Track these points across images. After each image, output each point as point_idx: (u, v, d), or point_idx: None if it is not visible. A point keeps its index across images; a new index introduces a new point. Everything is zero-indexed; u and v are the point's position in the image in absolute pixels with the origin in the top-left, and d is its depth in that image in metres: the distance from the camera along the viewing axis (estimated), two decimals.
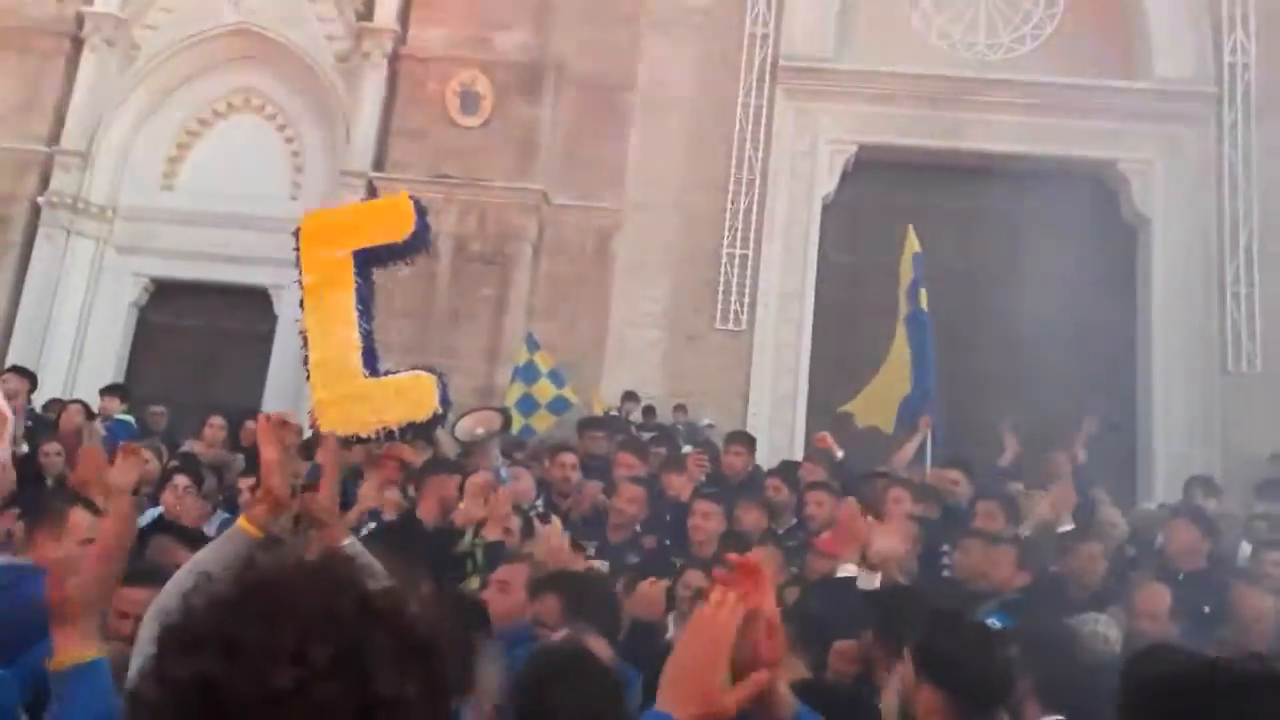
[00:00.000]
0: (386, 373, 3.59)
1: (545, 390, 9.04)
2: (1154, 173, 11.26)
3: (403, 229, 3.45)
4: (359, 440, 3.66)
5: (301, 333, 3.49)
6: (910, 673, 2.38)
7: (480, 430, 3.77)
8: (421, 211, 3.48)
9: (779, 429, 10.15)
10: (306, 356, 3.46)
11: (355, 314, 3.46)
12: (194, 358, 11.42)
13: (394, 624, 0.94)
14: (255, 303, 11.35)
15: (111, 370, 10.95)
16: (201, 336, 11.68)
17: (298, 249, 3.47)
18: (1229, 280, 10.80)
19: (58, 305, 11.15)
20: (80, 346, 11.27)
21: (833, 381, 10.73)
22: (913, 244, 8.26)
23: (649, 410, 10.19)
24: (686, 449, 7.66)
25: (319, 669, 0.88)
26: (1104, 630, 3.95)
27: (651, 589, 3.97)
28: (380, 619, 0.93)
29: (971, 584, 4.79)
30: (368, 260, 3.49)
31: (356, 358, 3.47)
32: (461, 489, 4.72)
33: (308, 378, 3.48)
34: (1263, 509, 7.28)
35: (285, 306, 11.28)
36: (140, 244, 11.53)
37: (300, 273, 3.46)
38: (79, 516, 3.46)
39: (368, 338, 3.52)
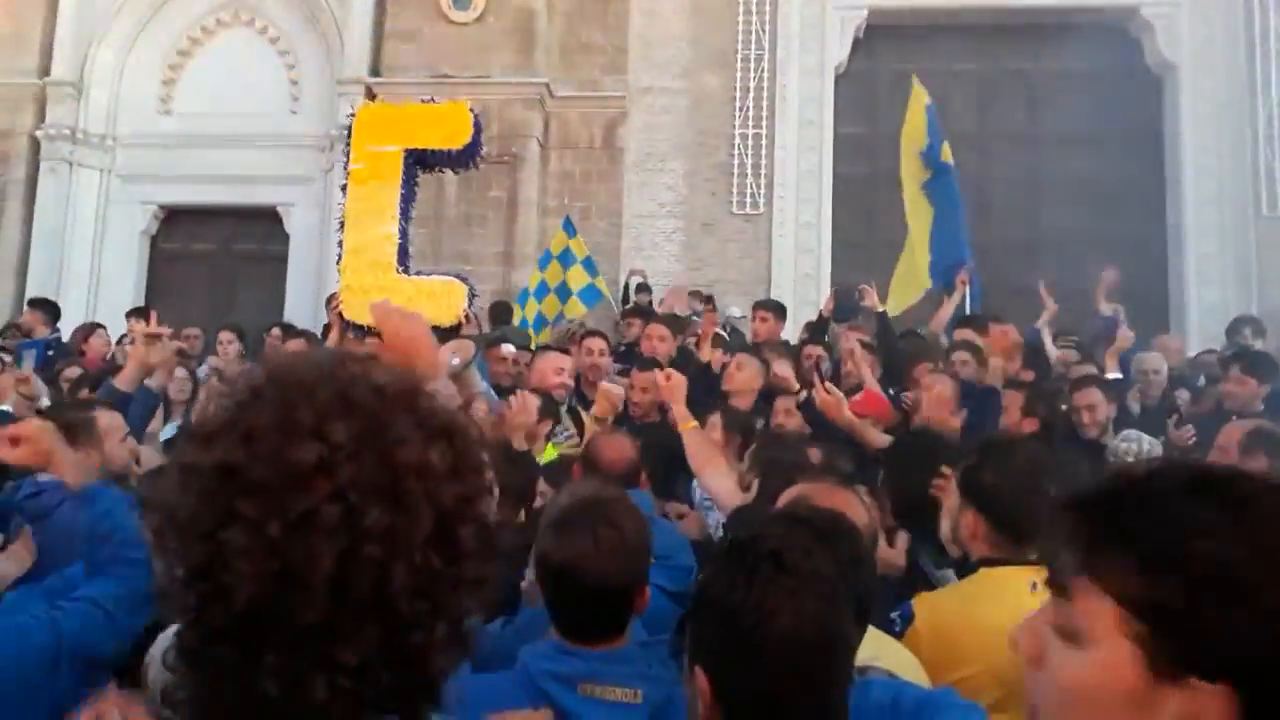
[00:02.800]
0: (419, 273, 3.74)
1: (579, 277, 8.89)
2: (1180, 16, 10.78)
3: (460, 137, 3.59)
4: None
5: (340, 219, 3.66)
6: (956, 497, 2.35)
7: (457, 360, 3.77)
8: (478, 125, 3.62)
9: (803, 309, 9.98)
10: (341, 241, 3.64)
11: (398, 210, 3.59)
12: (210, 282, 11.37)
13: (412, 404, 0.93)
14: (265, 223, 11.25)
15: (129, 300, 10.89)
16: (215, 260, 11.62)
17: (349, 139, 3.67)
18: (1261, 123, 10.42)
19: (69, 238, 11.11)
20: (96, 278, 11.25)
21: (854, 258, 10.55)
22: (921, 96, 7.83)
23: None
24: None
25: (339, 444, 0.86)
26: (1146, 449, 3.91)
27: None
28: (398, 400, 0.93)
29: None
30: (417, 161, 3.65)
31: (392, 251, 3.60)
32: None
33: (338, 262, 3.65)
34: None
35: (295, 224, 11.15)
36: (144, 171, 11.38)
37: (348, 160, 3.66)
38: (107, 417, 3.39)
39: (404, 235, 3.65)
